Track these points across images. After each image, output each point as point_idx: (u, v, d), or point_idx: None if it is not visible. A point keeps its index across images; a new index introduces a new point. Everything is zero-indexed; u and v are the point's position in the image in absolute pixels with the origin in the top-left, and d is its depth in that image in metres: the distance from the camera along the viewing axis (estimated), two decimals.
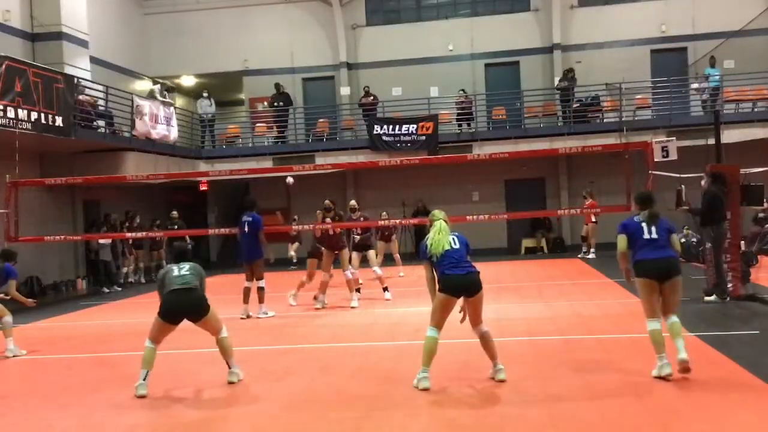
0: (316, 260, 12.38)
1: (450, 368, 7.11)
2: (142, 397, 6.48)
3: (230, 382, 6.85)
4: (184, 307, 6.72)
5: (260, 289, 11.30)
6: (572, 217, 20.68)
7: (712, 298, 10.46)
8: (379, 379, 6.90)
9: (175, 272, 6.85)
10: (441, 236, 6.55)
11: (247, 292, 11.40)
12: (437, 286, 6.51)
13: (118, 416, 6.01)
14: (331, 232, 11.93)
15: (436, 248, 6.49)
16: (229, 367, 6.94)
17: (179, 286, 6.70)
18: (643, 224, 6.64)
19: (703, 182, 10.82)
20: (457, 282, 6.36)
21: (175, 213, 19.06)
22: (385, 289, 12.52)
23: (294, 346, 8.88)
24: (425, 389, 6.26)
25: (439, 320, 6.44)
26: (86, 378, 7.56)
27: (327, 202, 12.05)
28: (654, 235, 6.56)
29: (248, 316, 11.17)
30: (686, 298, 10.94)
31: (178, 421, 5.86)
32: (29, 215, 14.36)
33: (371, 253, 13.03)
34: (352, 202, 13.37)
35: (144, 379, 6.56)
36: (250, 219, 11.34)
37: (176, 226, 18.18)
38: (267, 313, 11.27)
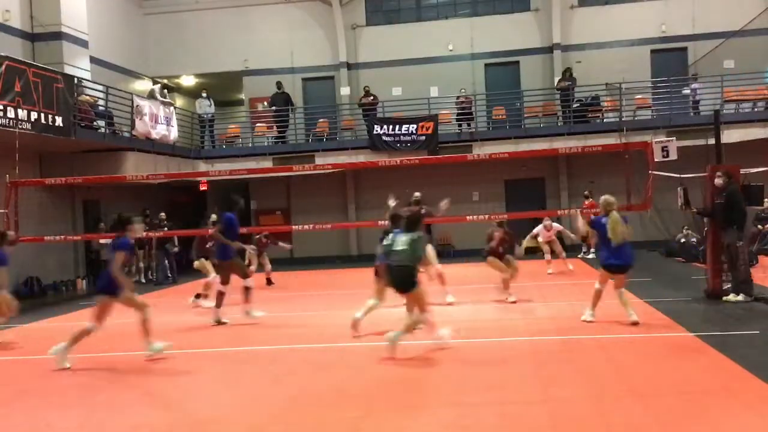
0: None
1: (449, 368, 7.11)
2: None
3: None
4: None
5: None
6: (572, 217, 20.63)
7: (740, 297, 10.24)
8: (379, 379, 6.89)
9: None
10: (620, 228, 8.73)
11: None
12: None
13: (118, 416, 6.00)
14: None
15: (615, 238, 8.74)
16: None
17: None
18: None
19: (717, 181, 10.51)
20: (616, 269, 8.94)
21: (163, 214, 18.04)
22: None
23: (294, 346, 8.87)
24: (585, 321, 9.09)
25: (602, 283, 9.15)
26: (86, 378, 7.55)
27: None
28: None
29: None
30: (687, 297, 11.02)
31: (178, 421, 5.85)
32: (29, 215, 14.34)
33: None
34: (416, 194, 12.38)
35: None
36: None
37: (166, 228, 17.26)
38: None
